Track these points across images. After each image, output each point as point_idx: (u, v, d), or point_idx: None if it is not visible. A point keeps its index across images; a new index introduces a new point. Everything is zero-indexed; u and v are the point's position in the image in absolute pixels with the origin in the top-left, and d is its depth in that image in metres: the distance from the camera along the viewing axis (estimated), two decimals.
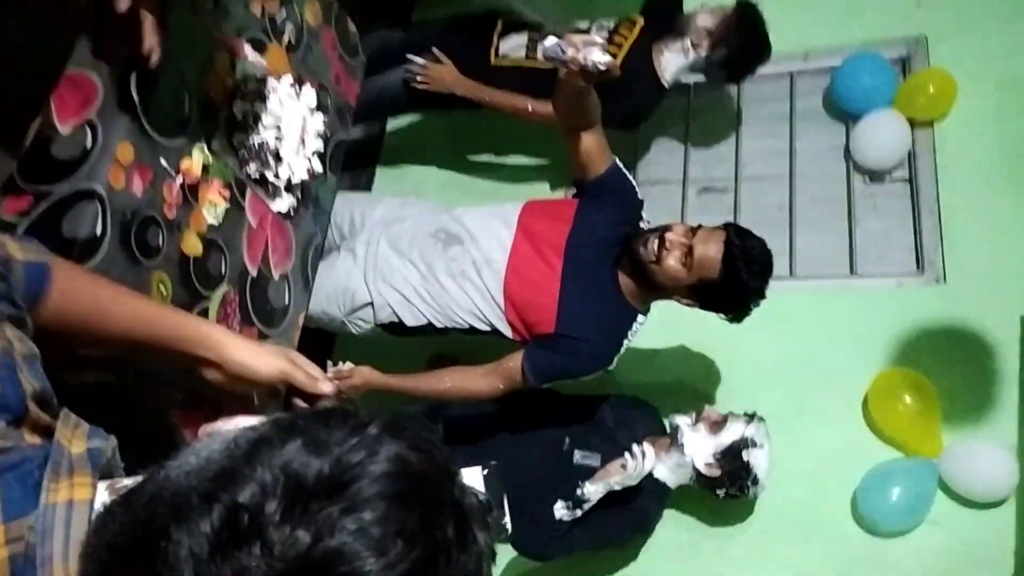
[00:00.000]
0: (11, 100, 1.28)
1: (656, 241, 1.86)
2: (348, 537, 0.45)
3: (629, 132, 2.75)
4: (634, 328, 1.95)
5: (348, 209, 2.24)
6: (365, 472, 0.48)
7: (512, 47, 2.53)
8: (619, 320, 1.94)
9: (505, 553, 2.08)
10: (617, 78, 2.41)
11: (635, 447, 1.93)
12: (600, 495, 1.93)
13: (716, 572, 2.27)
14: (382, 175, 3.14)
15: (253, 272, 1.59)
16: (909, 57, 2.74)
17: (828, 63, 2.79)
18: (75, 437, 0.61)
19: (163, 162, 1.36)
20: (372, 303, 2.07)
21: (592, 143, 1.93)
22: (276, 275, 1.66)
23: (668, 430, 2.11)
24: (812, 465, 2.27)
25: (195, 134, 1.43)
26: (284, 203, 1.64)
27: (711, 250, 1.83)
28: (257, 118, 1.51)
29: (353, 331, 2.13)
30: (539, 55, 1.79)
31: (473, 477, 0.89)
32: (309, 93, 1.63)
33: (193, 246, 1.43)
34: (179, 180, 1.39)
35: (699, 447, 2.04)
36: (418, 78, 2.45)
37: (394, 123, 3.16)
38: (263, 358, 0.95)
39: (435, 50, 2.47)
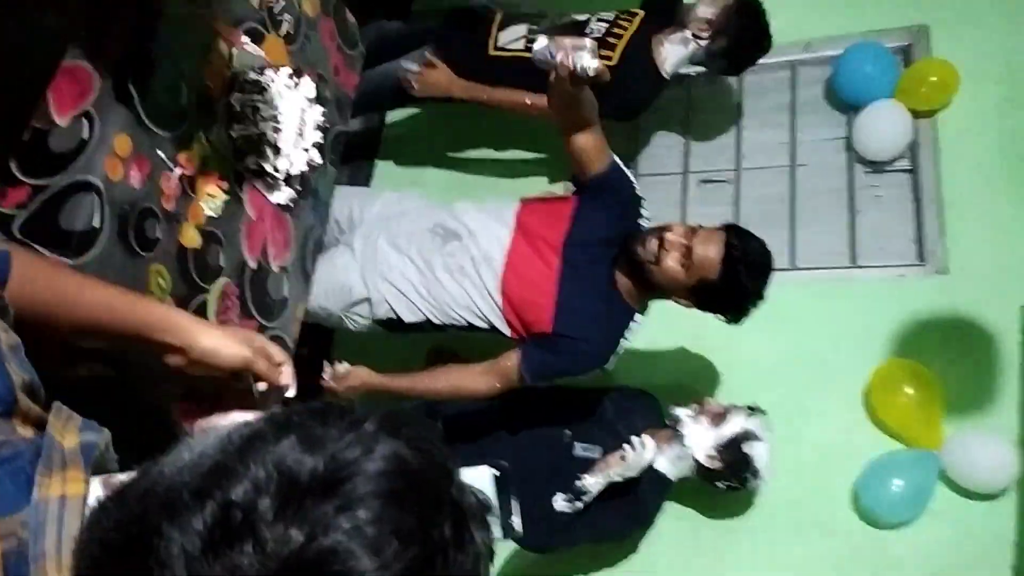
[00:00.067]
0: (10, 95, 1.27)
1: (655, 241, 1.85)
2: (342, 536, 0.44)
3: (629, 123, 2.74)
4: (632, 328, 1.94)
5: (347, 204, 2.23)
6: (360, 470, 0.47)
7: (511, 38, 2.51)
8: (617, 320, 1.93)
9: (506, 546, 2.08)
10: (607, 82, 2.41)
11: (635, 438, 1.93)
12: (600, 487, 1.93)
13: (717, 564, 2.27)
14: (381, 168, 3.13)
15: (252, 264, 1.59)
16: (911, 47, 2.73)
17: (829, 53, 2.77)
18: (67, 430, 0.60)
19: (160, 154, 1.35)
20: (369, 299, 2.06)
21: (589, 142, 1.91)
22: (275, 267, 1.66)
23: (669, 422, 2.10)
24: (813, 456, 2.27)
25: (193, 126, 1.42)
26: (283, 195, 1.63)
27: (711, 251, 1.82)
28: (255, 110, 1.50)
29: (350, 327, 2.13)
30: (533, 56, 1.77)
31: (483, 477, 0.87)
32: (307, 84, 1.62)
33: (192, 238, 1.43)
34: (177, 172, 1.38)
35: (700, 439, 2.03)
36: (414, 84, 2.43)
37: (393, 115, 3.15)
38: (226, 345, 0.93)
39: (428, 54, 2.45)
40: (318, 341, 2.55)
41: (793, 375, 2.37)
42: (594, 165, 1.94)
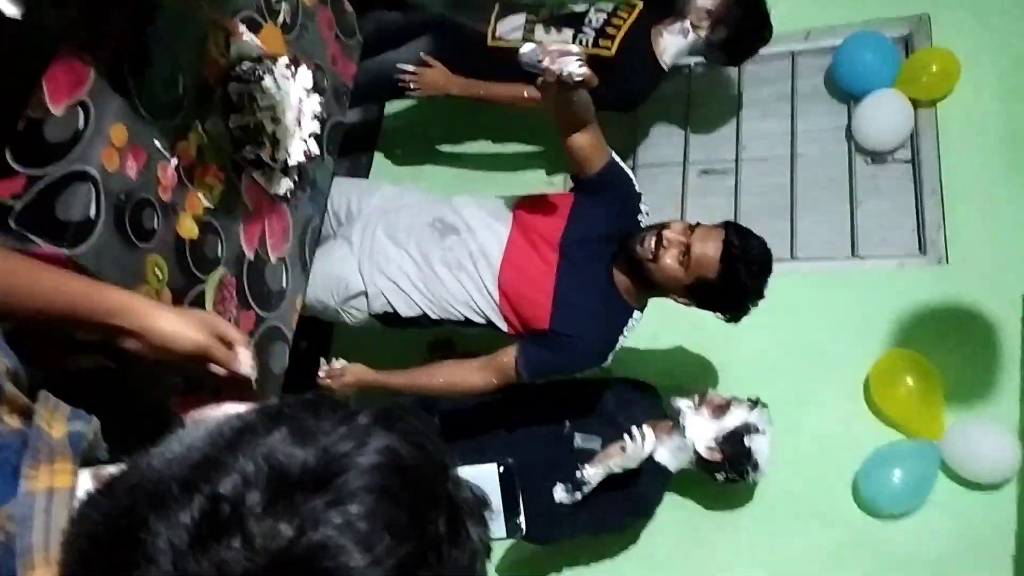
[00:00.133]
0: (5, 84, 1.26)
1: (653, 239, 1.83)
2: (333, 531, 0.43)
3: (628, 114, 2.73)
4: (630, 325, 1.93)
5: (345, 196, 2.22)
6: (353, 464, 0.46)
7: (509, 28, 2.50)
8: (614, 317, 1.92)
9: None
10: (607, 73, 2.39)
11: (635, 429, 1.92)
12: (600, 478, 1.93)
13: (717, 555, 2.27)
14: (380, 160, 3.12)
15: (250, 255, 1.58)
16: (911, 36, 2.72)
17: (830, 42, 2.76)
18: (55, 420, 0.60)
19: (157, 144, 1.34)
20: (366, 292, 2.05)
21: (587, 141, 1.89)
22: (273, 258, 1.65)
23: (669, 413, 2.10)
24: (813, 447, 2.27)
25: (189, 116, 1.41)
26: (281, 186, 1.62)
27: (709, 249, 1.80)
28: (252, 99, 1.49)
29: (347, 320, 2.12)
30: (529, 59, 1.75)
31: (489, 475, 0.86)
32: (305, 74, 1.61)
33: (189, 229, 1.42)
34: (174, 162, 1.38)
35: (701, 431, 2.03)
36: (411, 85, 2.42)
37: (392, 107, 3.14)
38: (183, 330, 0.92)
39: (423, 55, 2.44)
40: (318, 335, 2.55)
41: (793, 366, 2.37)
42: (592, 163, 1.92)
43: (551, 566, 2.32)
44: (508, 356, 1.93)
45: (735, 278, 1.80)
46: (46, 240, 1.17)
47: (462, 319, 2.02)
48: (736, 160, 2.82)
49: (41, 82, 1.20)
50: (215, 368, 0.94)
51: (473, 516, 0.50)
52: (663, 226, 1.85)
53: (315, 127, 1.63)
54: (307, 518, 0.43)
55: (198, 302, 1.45)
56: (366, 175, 3.06)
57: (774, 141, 2.79)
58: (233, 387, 1.03)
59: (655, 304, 1.99)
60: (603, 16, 2.47)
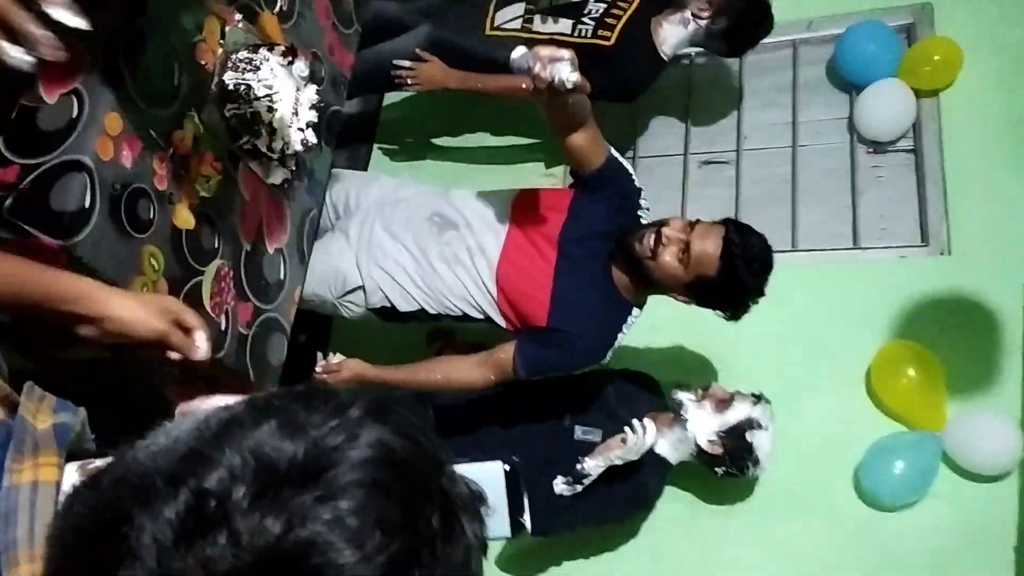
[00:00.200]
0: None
1: (652, 236, 1.81)
2: (322, 527, 0.42)
3: (628, 104, 2.71)
4: (628, 322, 1.92)
5: (343, 188, 2.20)
6: (343, 458, 0.44)
7: (508, 18, 2.48)
8: (613, 314, 1.91)
9: None
10: (607, 64, 2.37)
11: (635, 422, 1.91)
12: (600, 470, 1.92)
13: (718, 548, 2.26)
14: (379, 152, 3.10)
15: (247, 246, 1.57)
16: (914, 25, 2.70)
17: (831, 32, 2.74)
18: (40, 411, 0.59)
19: (152, 133, 1.33)
20: (363, 287, 2.04)
21: (584, 140, 1.85)
22: (271, 249, 1.64)
23: (671, 405, 2.09)
24: (814, 439, 2.26)
25: (185, 105, 1.40)
26: (278, 175, 1.61)
27: (709, 246, 1.78)
28: (249, 88, 1.48)
29: (345, 314, 2.11)
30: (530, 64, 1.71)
31: (494, 473, 0.85)
32: (302, 63, 1.59)
33: (185, 219, 1.41)
34: (169, 152, 1.36)
35: (703, 424, 2.02)
36: (408, 81, 2.40)
37: (391, 98, 3.12)
38: (140, 316, 0.91)
39: (418, 51, 2.42)
40: (317, 328, 2.54)
41: (794, 357, 2.36)
42: (591, 161, 1.90)
43: (551, 559, 2.31)
44: (506, 353, 1.91)
45: (735, 276, 1.78)
46: (40, 230, 1.16)
47: (460, 314, 2.01)
48: (737, 151, 2.80)
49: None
50: (171, 354, 0.93)
51: (468, 512, 0.49)
52: (662, 223, 1.83)
53: (312, 117, 1.62)
54: (295, 513, 0.42)
55: (195, 293, 1.44)
56: (365, 167, 3.04)
57: (775, 131, 2.77)
58: (232, 378, 1.02)
59: (654, 296, 1.98)
60: (603, 6, 2.45)
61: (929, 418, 2.19)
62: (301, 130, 1.60)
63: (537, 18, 2.47)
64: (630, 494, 2.05)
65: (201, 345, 0.94)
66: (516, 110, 2.72)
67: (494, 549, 2.12)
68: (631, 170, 1.99)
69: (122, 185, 1.27)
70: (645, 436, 1.90)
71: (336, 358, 1.99)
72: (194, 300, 1.43)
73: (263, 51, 1.51)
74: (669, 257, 1.79)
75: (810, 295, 2.41)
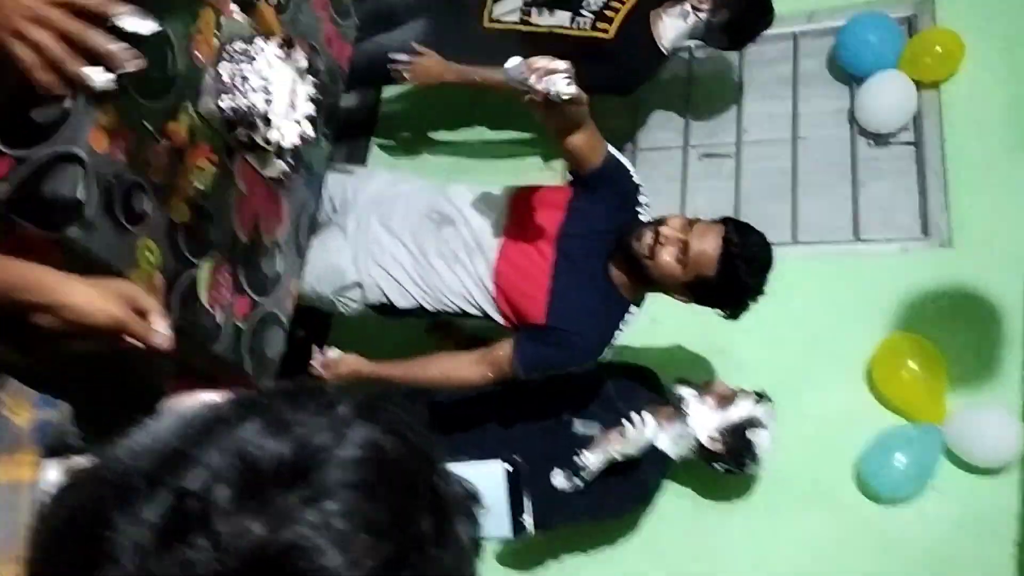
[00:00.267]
0: None
1: (650, 235, 1.79)
2: (308, 530, 0.40)
3: (628, 98, 2.70)
4: (627, 319, 1.90)
5: (341, 183, 2.19)
6: (331, 457, 0.43)
7: (506, 10, 2.47)
8: (611, 312, 1.89)
9: None
10: (607, 55, 2.35)
11: (635, 415, 1.90)
12: (599, 464, 1.91)
13: (718, 541, 2.25)
14: (378, 146, 3.09)
15: (244, 239, 1.56)
16: (915, 17, 2.68)
17: (832, 23, 2.73)
18: (20, 406, 0.57)
19: (147, 125, 1.32)
20: (361, 283, 2.02)
21: (582, 141, 1.83)
22: (268, 242, 1.63)
23: (672, 399, 2.08)
24: (815, 432, 2.25)
25: (180, 96, 1.39)
26: (275, 168, 1.60)
27: (708, 246, 1.76)
28: (244, 80, 1.46)
29: (342, 311, 2.10)
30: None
31: (495, 473, 0.83)
32: (299, 55, 1.58)
33: (181, 212, 1.40)
34: (165, 144, 1.35)
35: (704, 420, 2.01)
36: (405, 75, 2.38)
37: (389, 91, 3.10)
38: (96, 303, 0.89)
39: (415, 45, 2.40)
40: (316, 323, 2.52)
41: (795, 350, 2.35)
42: (589, 161, 1.87)
43: (550, 553, 2.31)
44: (504, 351, 1.90)
45: (734, 277, 1.77)
46: (33, 223, 1.15)
47: (458, 311, 2.00)
48: (737, 143, 2.79)
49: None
50: (131, 341, 0.91)
51: (461, 513, 0.48)
52: (661, 222, 1.81)
53: (310, 109, 1.60)
54: (280, 516, 0.40)
55: (191, 287, 1.43)
56: (363, 161, 3.03)
57: (776, 123, 2.76)
58: (229, 372, 1.00)
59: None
60: (596, 5, 2.43)
61: (930, 411, 2.18)
62: (298, 122, 1.58)
63: (535, 10, 2.45)
64: (629, 489, 2.05)
65: (160, 330, 0.92)
66: (515, 104, 2.70)
67: (492, 544, 2.11)
68: (630, 167, 1.97)
69: (116, 177, 1.26)
70: (644, 430, 1.90)
71: (333, 353, 1.98)
72: (190, 294, 1.43)
73: (259, 42, 1.50)
74: (668, 257, 1.78)
75: (810, 288, 2.40)
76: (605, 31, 2.40)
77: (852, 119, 2.65)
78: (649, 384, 2.23)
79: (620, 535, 2.30)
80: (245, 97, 1.47)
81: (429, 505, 0.45)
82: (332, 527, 0.41)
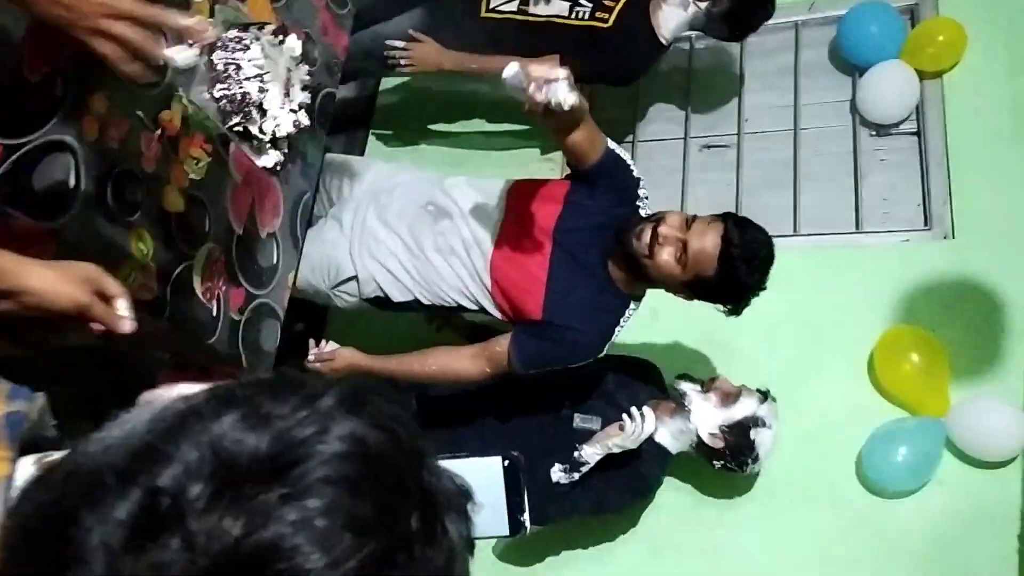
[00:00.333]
0: None
1: (648, 233, 1.76)
2: (287, 528, 0.38)
3: (628, 89, 2.68)
4: (626, 315, 1.88)
5: (337, 174, 2.17)
6: (312, 452, 0.41)
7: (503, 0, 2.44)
8: (610, 308, 1.87)
9: None
10: (605, 45, 2.32)
11: (634, 410, 1.88)
12: (598, 458, 1.90)
13: (719, 535, 2.24)
14: (376, 137, 3.07)
15: (239, 230, 1.54)
16: (917, 6, 2.67)
17: (834, 13, 2.71)
18: None
19: (140, 113, 1.30)
20: (357, 277, 2.00)
21: (582, 138, 1.79)
22: (264, 233, 1.61)
23: (675, 395, 2.06)
24: (816, 426, 2.24)
25: (173, 84, 1.37)
26: (270, 158, 1.58)
27: (707, 246, 1.73)
28: (238, 68, 1.44)
29: (339, 304, 2.08)
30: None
31: (491, 467, 0.81)
32: (294, 43, 1.56)
33: (175, 202, 1.38)
34: (157, 133, 1.33)
35: (706, 417, 1.99)
36: (402, 63, 2.36)
37: (387, 82, 3.08)
38: (59, 288, 0.86)
39: (412, 32, 2.38)
40: (313, 316, 2.51)
41: (796, 343, 2.34)
42: (589, 157, 1.84)
43: (549, 547, 2.29)
44: (502, 346, 1.88)
45: (734, 276, 1.74)
46: (23, 212, 1.13)
47: (454, 305, 1.98)
48: (738, 134, 2.77)
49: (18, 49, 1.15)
50: (94, 326, 0.89)
51: (452, 510, 0.45)
52: (659, 220, 1.78)
53: (305, 98, 1.58)
54: (257, 514, 0.38)
55: (185, 278, 1.41)
56: (361, 152, 3.01)
57: (777, 114, 2.74)
58: (216, 366, 0.98)
59: None
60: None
61: (932, 404, 2.17)
62: (293, 111, 1.57)
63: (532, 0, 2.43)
64: (629, 483, 2.03)
65: (124, 314, 0.90)
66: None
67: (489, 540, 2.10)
68: (629, 160, 1.94)
69: (108, 167, 1.24)
70: (644, 424, 1.88)
71: (329, 346, 1.96)
72: (184, 285, 1.41)
73: (253, 30, 1.48)
74: (667, 256, 1.75)
75: (812, 280, 2.39)
76: (604, 20, 2.38)
77: (854, 110, 2.63)
78: (650, 378, 2.21)
79: (621, 529, 2.29)
80: (239, 86, 1.45)
81: (417, 502, 0.43)
82: (313, 525, 0.39)
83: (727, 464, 2.02)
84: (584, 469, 1.90)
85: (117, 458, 0.41)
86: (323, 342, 1.98)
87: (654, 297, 1.98)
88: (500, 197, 1.96)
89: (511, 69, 1.51)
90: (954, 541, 2.08)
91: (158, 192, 1.34)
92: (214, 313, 1.47)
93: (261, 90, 1.48)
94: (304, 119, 1.58)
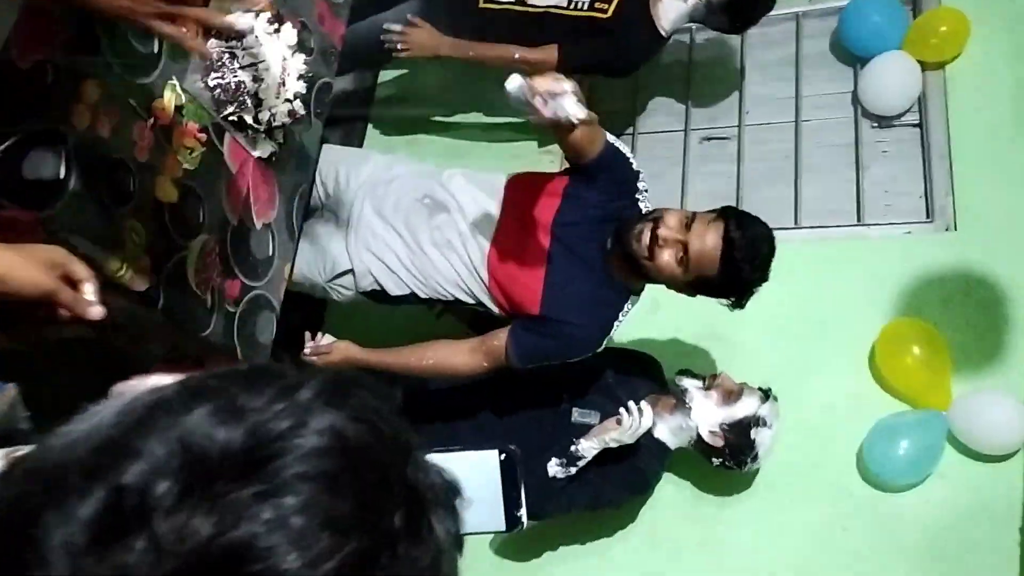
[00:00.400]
0: None
1: (648, 235, 1.74)
2: (260, 528, 0.36)
3: (628, 78, 2.66)
4: (625, 310, 1.86)
5: (334, 166, 2.14)
6: (289, 447, 0.38)
7: None
8: (609, 303, 1.85)
9: None
10: (603, 36, 2.30)
11: (632, 404, 1.86)
12: (595, 452, 1.88)
13: (719, 529, 2.23)
14: (374, 129, 3.05)
15: (234, 221, 1.52)
16: None
17: (835, 3, 2.69)
18: None
19: (132, 102, 1.28)
20: (353, 270, 1.99)
21: (581, 136, 1.76)
22: (259, 224, 1.60)
23: (676, 390, 2.05)
24: (817, 419, 2.22)
25: (166, 73, 1.35)
26: (265, 148, 1.56)
27: (708, 247, 1.70)
28: (233, 57, 1.43)
29: (335, 298, 2.06)
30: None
31: (487, 461, 0.79)
32: (289, 32, 1.55)
33: (168, 192, 1.36)
34: (150, 122, 1.31)
35: (707, 414, 1.98)
36: (399, 47, 2.33)
37: (386, 74, 3.06)
38: (24, 272, 0.82)
39: (410, 17, 2.36)
40: (310, 309, 2.49)
41: (797, 335, 2.32)
42: (588, 152, 1.82)
43: (547, 542, 2.28)
44: (499, 340, 1.86)
45: (737, 275, 1.72)
46: (12, 202, 1.11)
47: (451, 299, 1.96)
48: (739, 126, 2.75)
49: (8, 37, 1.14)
50: (61, 312, 0.86)
51: (439, 506, 0.43)
52: (657, 220, 1.75)
53: (300, 87, 1.57)
54: (229, 512, 0.36)
55: (180, 269, 1.40)
56: (360, 144, 2.99)
57: (778, 106, 2.72)
58: (211, 358, 0.96)
59: None
60: None
61: (934, 397, 2.15)
62: (289, 101, 1.55)
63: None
64: (627, 478, 2.01)
65: (91, 298, 0.87)
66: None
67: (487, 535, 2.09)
68: (629, 153, 1.92)
69: (100, 156, 1.22)
70: (641, 419, 1.86)
71: (325, 339, 1.94)
72: (178, 277, 1.39)
73: (248, 18, 1.45)
74: (667, 258, 1.73)
75: (813, 272, 2.37)
76: (603, 11, 2.36)
77: (856, 101, 2.61)
78: (650, 372, 2.19)
79: (620, 524, 2.27)
80: (233, 74, 1.43)
81: (402, 498, 0.41)
82: (289, 524, 0.37)
83: (726, 462, 2.01)
84: (581, 463, 1.88)
85: (81, 454, 0.39)
86: (319, 335, 1.96)
87: (655, 289, 1.96)
88: (498, 190, 1.94)
89: (514, 82, 1.48)
90: (956, 535, 2.07)
91: (151, 182, 1.33)
92: (208, 305, 1.45)
93: (256, 79, 1.47)
94: (300, 109, 1.57)
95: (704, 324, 2.36)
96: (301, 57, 1.57)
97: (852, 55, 2.63)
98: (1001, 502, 2.06)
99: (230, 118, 1.47)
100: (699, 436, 1.99)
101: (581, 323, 1.83)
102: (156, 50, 1.33)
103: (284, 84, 1.52)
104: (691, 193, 2.70)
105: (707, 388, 2.01)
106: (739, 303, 1.82)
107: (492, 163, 2.58)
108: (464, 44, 2.31)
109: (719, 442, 1.98)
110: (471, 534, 0.59)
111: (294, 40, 1.53)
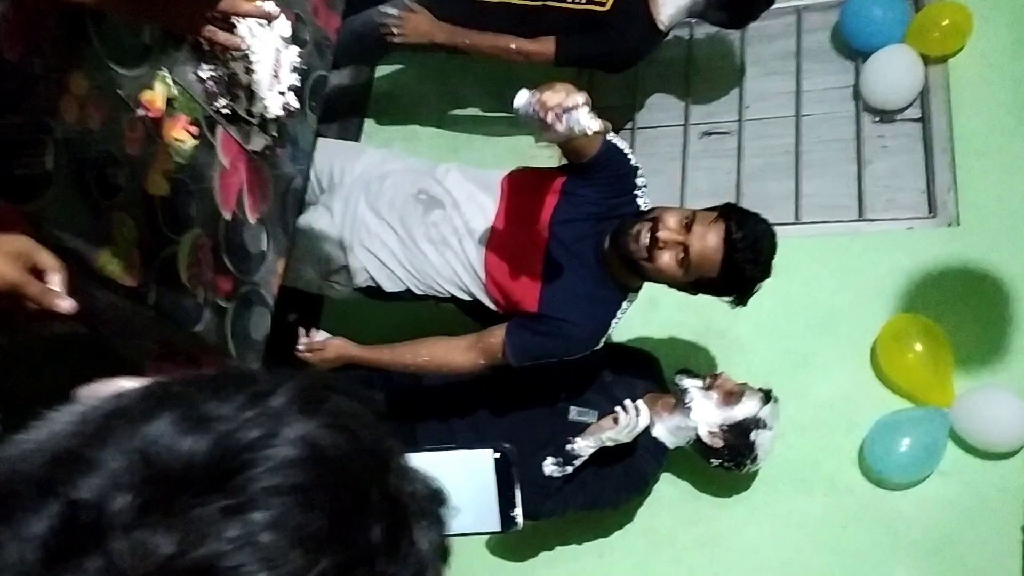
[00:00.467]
0: None
1: (647, 236, 1.72)
2: (227, 545, 0.34)
3: (627, 75, 2.63)
4: (623, 307, 1.85)
5: (329, 160, 2.13)
6: (259, 458, 0.36)
7: None
8: (606, 301, 1.84)
9: None
10: (601, 30, 2.27)
11: (628, 403, 1.85)
12: (591, 450, 1.86)
13: (721, 527, 2.22)
14: (371, 124, 3.03)
15: (227, 215, 1.50)
16: None
17: None
18: None
19: (121, 94, 1.26)
20: (348, 267, 1.97)
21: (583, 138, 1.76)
22: (252, 219, 1.57)
23: (675, 389, 2.03)
24: (818, 416, 2.21)
25: (156, 64, 1.32)
26: (258, 142, 1.53)
27: (709, 248, 1.69)
28: (225, 48, 1.40)
29: (330, 294, 2.05)
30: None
31: (481, 460, 0.77)
32: (282, 22, 1.52)
33: (159, 186, 1.34)
34: (140, 114, 1.29)
35: (706, 415, 1.96)
36: (394, 31, 2.31)
37: (382, 69, 3.04)
38: None
39: (407, 2, 2.34)
40: (306, 305, 2.47)
41: (798, 331, 2.31)
42: (587, 152, 1.80)
43: (544, 541, 2.26)
44: (496, 337, 1.85)
45: (739, 276, 1.71)
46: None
47: (447, 296, 1.94)
48: (739, 121, 2.73)
49: None
50: (28, 305, 0.83)
51: (423, 517, 0.41)
52: (656, 221, 1.73)
53: (294, 80, 1.54)
54: (192, 529, 0.34)
55: (170, 264, 1.37)
56: (356, 139, 2.97)
57: (778, 101, 2.71)
58: (204, 355, 0.93)
59: None
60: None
61: (936, 393, 2.14)
62: (282, 94, 1.53)
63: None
64: (624, 478, 2.00)
65: (59, 289, 0.84)
66: (509, 79, 2.64)
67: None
68: (627, 149, 1.90)
69: (89, 149, 1.20)
70: (638, 417, 1.84)
71: (320, 336, 1.92)
72: (169, 272, 1.37)
73: None
74: (668, 259, 1.71)
75: (814, 268, 2.36)
76: (602, 4, 2.34)
77: (857, 95, 2.60)
78: (649, 371, 2.18)
79: (619, 522, 2.26)
80: (225, 66, 1.41)
81: (381, 511, 0.39)
82: (257, 542, 0.34)
83: (724, 463, 2.00)
84: (577, 462, 1.87)
85: (35, 465, 0.37)
86: (313, 331, 1.94)
87: (653, 286, 1.94)
88: (494, 186, 1.92)
89: (522, 98, 1.44)
90: (957, 532, 2.06)
91: (141, 175, 1.30)
92: (200, 300, 1.43)
93: (249, 71, 1.44)
94: (294, 102, 1.54)
95: (703, 321, 2.34)
96: (295, 49, 1.55)
97: (853, 49, 2.62)
98: (1003, 500, 2.06)
99: (222, 111, 1.44)
100: (698, 436, 1.97)
101: (578, 321, 1.81)
102: (146, 41, 1.31)
103: (277, 76, 1.50)
104: (691, 189, 2.68)
105: (707, 388, 1.99)
106: (741, 300, 1.80)
107: (489, 157, 2.56)
108: (459, 32, 2.29)
109: (718, 443, 1.96)
110: (465, 535, 0.57)
111: (288, 32, 1.51)
